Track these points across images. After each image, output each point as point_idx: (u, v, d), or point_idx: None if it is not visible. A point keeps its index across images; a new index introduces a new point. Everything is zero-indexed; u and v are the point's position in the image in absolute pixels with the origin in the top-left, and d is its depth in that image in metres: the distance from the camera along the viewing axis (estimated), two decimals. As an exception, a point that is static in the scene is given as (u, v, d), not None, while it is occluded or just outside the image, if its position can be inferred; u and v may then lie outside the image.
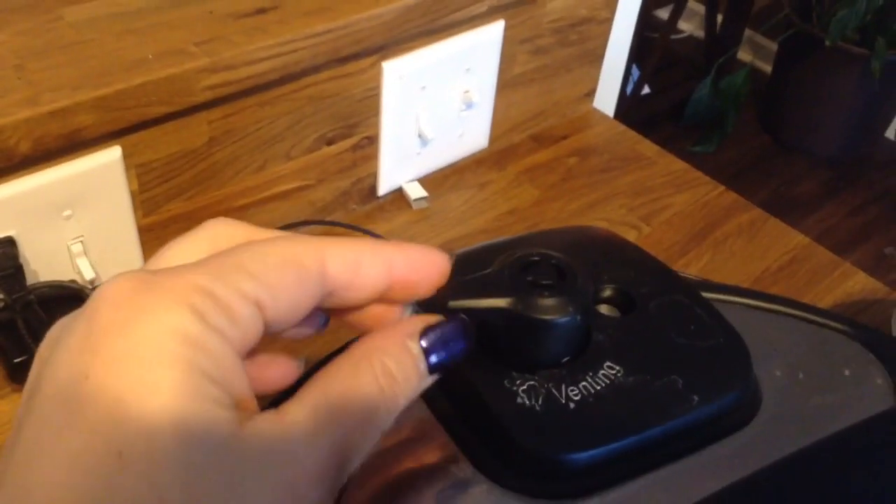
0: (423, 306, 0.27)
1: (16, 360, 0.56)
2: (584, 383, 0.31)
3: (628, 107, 2.25)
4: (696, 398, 0.31)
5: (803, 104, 2.39)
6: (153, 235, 0.64)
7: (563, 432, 0.30)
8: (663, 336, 0.33)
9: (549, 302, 0.29)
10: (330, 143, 0.71)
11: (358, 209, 0.78)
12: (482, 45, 0.76)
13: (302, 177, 0.71)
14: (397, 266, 0.26)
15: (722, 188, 0.83)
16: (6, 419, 0.57)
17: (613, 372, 0.31)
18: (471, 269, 0.29)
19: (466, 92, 0.77)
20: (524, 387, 0.30)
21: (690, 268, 0.74)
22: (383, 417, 0.25)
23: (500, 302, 0.29)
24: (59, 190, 0.56)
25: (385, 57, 0.69)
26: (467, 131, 0.81)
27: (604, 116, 0.93)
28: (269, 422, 0.23)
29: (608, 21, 0.88)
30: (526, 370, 0.31)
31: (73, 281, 0.60)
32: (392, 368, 0.25)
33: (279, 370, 0.27)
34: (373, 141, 0.74)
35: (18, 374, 0.57)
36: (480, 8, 0.72)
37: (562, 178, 0.83)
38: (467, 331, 0.27)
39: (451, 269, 0.28)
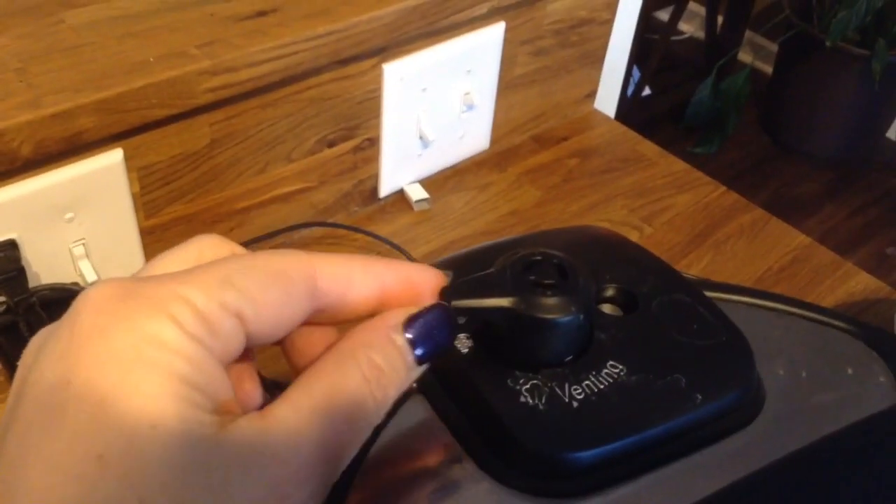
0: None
1: (18, 363, 0.56)
2: (587, 382, 0.31)
3: (629, 108, 2.25)
4: (699, 397, 0.31)
5: (804, 105, 2.39)
6: (155, 238, 0.64)
7: (566, 431, 0.30)
8: (666, 335, 0.33)
9: (551, 301, 0.29)
10: (331, 144, 0.71)
11: (359, 211, 0.78)
12: (483, 47, 0.76)
13: (303, 179, 0.71)
14: (389, 283, 0.26)
15: (723, 189, 0.83)
16: (9, 422, 0.57)
17: (616, 371, 0.31)
18: (472, 270, 0.29)
19: (467, 93, 0.77)
20: (527, 386, 0.30)
21: (692, 268, 0.74)
22: (372, 412, 0.25)
23: (503, 301, 0.29)
24: (60, 193, 0.56)
25: (386, 59, 0.69)
26: (468, 133, 0.81)
27: (605, 118, 0.93)
28: (251, 423, 0.22)
29: (609, 22, 0.88)
30: (529, 369, 0.31)
31: (75, 283, 0.60)
32: (379, 362, 0.25)
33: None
34: (374, 143, 0.74)
35: (21, 377, 0.57)
36: (481, 9, 0.72)
37: (563, 180, 0.83)
38: (450, 318, 0.27)
39: (447, 285, 0.28)
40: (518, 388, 0.30)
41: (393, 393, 0.25)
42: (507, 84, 0.82)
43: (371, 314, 0.26)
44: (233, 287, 0.23)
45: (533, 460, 0.30)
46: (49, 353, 0.22)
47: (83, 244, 0.59)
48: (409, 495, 0.30)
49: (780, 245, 0.77)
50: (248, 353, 0.25)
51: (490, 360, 0.31)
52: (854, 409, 0.33)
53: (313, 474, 0.23)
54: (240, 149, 0.65)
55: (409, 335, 0.26)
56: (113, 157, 0.57)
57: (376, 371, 0.25)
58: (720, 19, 2.61)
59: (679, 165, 0.86)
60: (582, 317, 0.30)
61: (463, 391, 0.32)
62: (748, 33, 2.67)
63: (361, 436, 0.24)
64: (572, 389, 0.30)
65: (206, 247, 0.26)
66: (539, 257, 0.30)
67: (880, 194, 2.38)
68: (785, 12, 2.29)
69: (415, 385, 0.31)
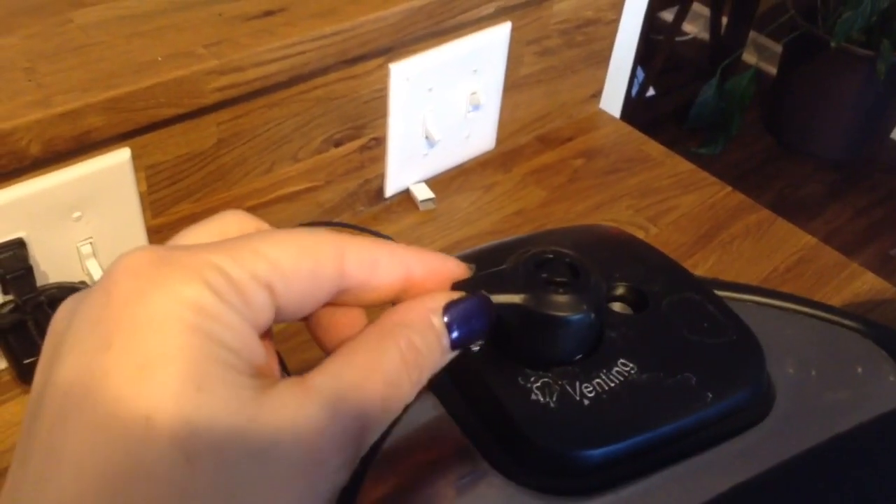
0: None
1: (26, 362, 0.56)
2: (597, 380, 0.31)
3: (633, 108, 2.25)
4: (709, 395, 0.31)
5: (808, 106, 2.39)
6: (162, 237, 0.64)
7: (577, 429, 0.30)
8: (676, 333, 0.33)
9: (563, 299, 0.29)
10: (337, 144, 0.71)
11: (365, 210, 0.78)
12: (489, 47, 0.76)
13: (309, 178, 0.71)
14: (414, 270, 0.26)
15: (729, 189, 0.83)
16: (17, 420, 0.57)
17: (627, 369, 0.31)
18: (483, 267, 0.29)
19: (473, 93, 0.77)
20: (538, 384, 0.30)
21: (697, 269, 0.74)
22: (407, 391, 0.25)
23: (515, 298, 0.29)
24: (68, 191, 0.56)
25: (392, 59, 0.69)
26: (474, 133, 0.81)
27: (610, 118, 0.93)
28: (291, 388, 0.23)
29: (615, 22, 0.88)
30: (540, 367, 0.31)
31: (82, 282, 0.60)
32: (417, 343, 0.25)
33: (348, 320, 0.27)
34: (380, 142, 0.74)
35: (28, 375, 0.57)
36: (487, 9, 0.72)
37: (568, 180, 0.83)
38: (488, 308, 0.27)
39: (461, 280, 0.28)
40: (529, 386, 0.30)
41: (427, 374, 0.25)
42: (513, 84, 0.82)
43: (394, 300, 0.27)
44: (265, 259, 0.23)
45: (544, 458, 0.30)
46: (84, 318, 0.22)
47: (91, 243, 0.60)
48: (420, 492, 0.30)
49: (786, 246, 0.77)
50: (268, 332, 0.25)
51: (501, 358, 0.31)
52: (863, 408, 0.33)
53: (348, 444, 0.23)
54: (246, 148, 0.65)
55: (446, 319, 0.26)
56: (120, 157, 0.57)
57: (414, 352, 0.25)
58: (724, 20, 2.61)
59: (685, 166, 0.86)
60: (593, 315, 0.30)
61: (474, 389, 0.32)
62: (752, 34, 2.67)
63: (393, 413, 0.25)
64: (583, 387, 0.30)
65: (231, 222, 0.26)
66: (551, 255, 0.30)
67: (884, 195, 2.37)
68: (789, 13, 2.29)
69: (422, 388, 0.31)
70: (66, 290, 0.59)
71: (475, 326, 0.27)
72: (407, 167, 0.78)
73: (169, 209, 0.63)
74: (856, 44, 2.16)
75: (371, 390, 0.24)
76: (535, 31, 0.80)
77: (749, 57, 2.74)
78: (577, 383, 0.30)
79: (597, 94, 0.93)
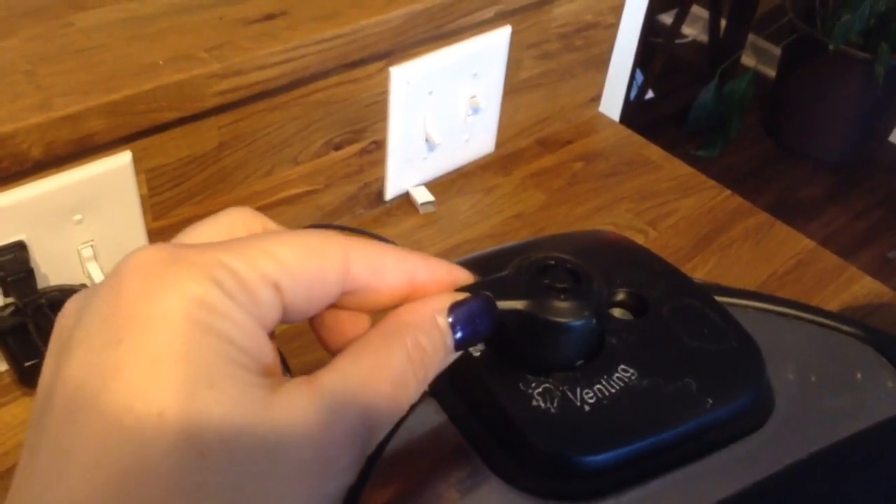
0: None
1: (26, 364, 0.56)
2: (598, 386, 0.31)
3: (632, 111, 2.25)
4: (709, 401, 0.31)
5: (807, 109, 2.39)
6: (163, 239, 0.64)
7: (578, 435, 0.30)
8: (677, 339, 0.33)
9: (564, 305, 0.29)
10: (337, 147, 0.71)
11: (365, 213, 0.78)
12: (489, 51, 0.76)
13: (310, 181, 0.71)
14: (419, 275, 0.27)
15: (728, 192, 0.83)
16: (17, 422, 0.57)
17: (628, 375, 0.31)
18: (484, 274, 0.29)
19: (473, 97, 0.78)
20: (539, 389, 0.31)
21: (697, 272, 0.74)
22: (413, 390, 0.25)
23: (517, 304, 0.29)
24: (69, 194, 0.56)
25: (392, 62, 0.69)
26: (474, 136, 0.81)
27: (609, 121, 0.93)
28: (300, 387, 0.23)
29: (614, 26, 0.88)
30: (541, 373, 0.31)
31: (83, 285, 0.60)
32: (423, 342, 0.25)
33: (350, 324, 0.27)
34: (380, 146, 0.74)
35: (29, 378, 0.57)
36: (487, 13, 0.72)
37: (568, 183, 0.83)
38: (492, 309, 0.28)
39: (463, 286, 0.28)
40: (530, 391, 0.31)
41: (432, 374, 0.26)
42: (513, 87, 0.82)
43: (397, 305, 0.27)
44: (273, 259, 0.23)
45: (545, 463, 0.30)
46: (93, 314, 0.22)
47: (91, 246, 0.60)
48: (421, 497, 0.30)
49: (785, 249, 0.77)
50: (271, 333, 0.26)
51: (502, 363, 0.31)
52: (863, 414, 0.34)
53: (356, 442, 0.23)
54: (247, 151, 0.65)
55: (451, 319, 0.26)
56: (121, 160, 0.57)
57: (420, 351, 0.25)
58: (723, 23, 2.61)
59: (684, 169, 0.86)
60: (594, 321, 0.30)
61: (475, 394, 0.32)
62: (751, 37, 2.68)
63: (400, 412, 0.25)
64: (584, 393, 0.30)
65: (238, 219, 0.26)
66: (553, 261, 0.30)
67: (883, 197, 2.38)
68: (788, 16, 2.30)
69: (427, 388, 0.31)
70: (66, 293, 0.59)
71: (479, 327, 0.27)
72: (407, 170, 0.78)
73: (170, 212, 0.63)
74: (854, 47, 2.17)
75: (378, 389, 0.24)
76: (535, 35, 0.80)
77: (748, 60, 2.74)
78: (578, 389, 0.31)
79: (596, 98, 0.93)
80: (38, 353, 0.56)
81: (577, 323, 0.29)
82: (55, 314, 0.58)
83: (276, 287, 0.23)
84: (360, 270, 0.25)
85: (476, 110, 0.79)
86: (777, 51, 2.55)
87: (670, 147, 0.90)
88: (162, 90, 0.56)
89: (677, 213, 0.80)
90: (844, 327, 0.38)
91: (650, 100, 2.50)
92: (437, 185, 0.81)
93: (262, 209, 0.69)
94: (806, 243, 0.78)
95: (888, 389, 0.35)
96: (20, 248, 0.56)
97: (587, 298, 0.29)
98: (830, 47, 2.07)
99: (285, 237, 0.24)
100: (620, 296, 0.35)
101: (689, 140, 2.42)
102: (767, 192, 2.35)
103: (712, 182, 0.85)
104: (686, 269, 0.75)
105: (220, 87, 0.58)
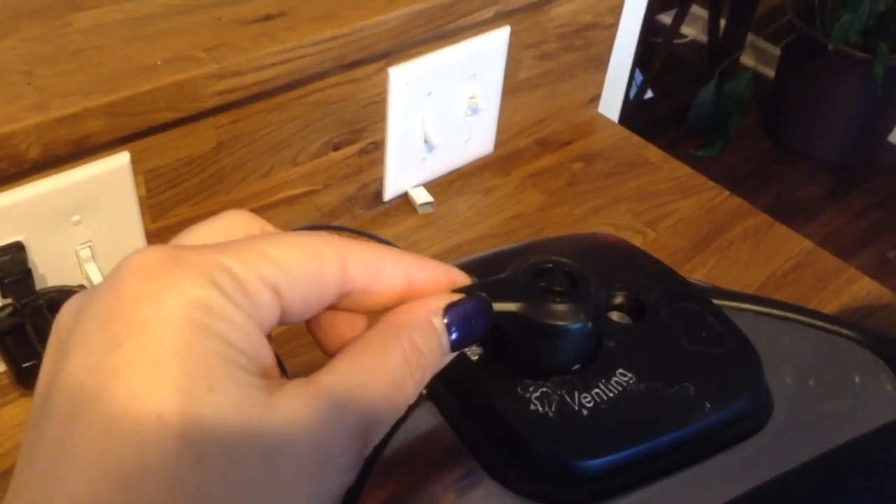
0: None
1: (24, 365, 0.56)
2: (596, 390, 0.31)
3: (631, 111, 2.25)
4: (707, 405, 0.31)
5: (806, 109, 2.39)
6: (161, 240, 0.64)
7: (576, 439, 0.30)
8: (675, 343, 0.33)
9: (561, 308, 0.29)
10: (336, 148, 0.71)
11: (364, 214, 0.78)
12: (488, 51, 0.76)
13: (308, 182, 0.71)
14: (416, 277, 0.27)
15: (727, 193, 0.83)
16: (15, 423, 0.57)
17: (626, 379, 0.31)
18: (481, 276, 0.29)
19: (472, 97, 0.78)
20: (537, 393, 0.30)
21: (695, 273, 0.74)
22: (410, 391, 0.25)
23: (512, 306, 0.29)
24: (67, 195, 0.56)
25: (391, 63, 0.69)
26: (473, 136, 0.81)
27: (609, 122, 0.93)
28: (299, 388, 0.23)
29: (613, 27, 0.88)
30: (539, 377, 0.31)
31: (81, 286, 0.60)
32: (419, 343, 0.25)
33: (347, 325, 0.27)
34: (379, 146, 0.74)
35: (27, 379, 0.57)
36: (486, 14, 0.72)
37: (567, 184, 0.83)
38: (487, 309, 0.28)
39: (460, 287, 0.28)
40: (528, 395, 0.30)
41: (429, 375, 0.26)
42: (512, 88, 0.82)
43: (394, 306, 0.27)
44: (271, 261, 0.23)
45: (543, 468, 0.30)
46: (92, 316, 0.22)
47: (90, 246, 0.60)
48: (418, 500, 0.30)
49: (784, 250, 0.77)
50: (268, 335, 0.26)
51: (499, 367, 0.31)
52: (861, 418, 0.34)
53: (354, 443, 0.23)
54: (246, 152, 0.65)
55: (446, 320, 0.26)
56: (120, 160, 0.57)
57: (416, 352, 0.25)
58: (723, 23, 2.61)
59: (683, 170, 0.86)
60: (591, 324, 0.30)
61: (473, 398, 0.32)
62: (750, 37, 2.68)
63: (398, 412, 0.25)
64: (581, 397, 0.30)
65: (235, 221, 0.27)
66: (550, 265, 0.30)
67: (882, 198, 2.38)
68: (787, 16, 2.30)
69: (424, 391, 0.31)
70: (65, 294, 0.59)
71: (475, 328, 0.27)
72: (406, 171, 0.78)
73: (168, 213, 0.63)
74: (853, 47, 2.17)
75: (376, 390, 0.24)
76: (534, 36, 0.80)
77: (747, 59, 2.74)
78: (576, 393, 0.31)
79: (595, 98, 0.93)
80: (36, 354, 0.56)
81: (574, 326, 0.29)
82: (53, 315, 0.58)
83: (274, 289, 0.23)
84: (358, 272, 0.25)
85: (475, 111, 0.79)
86: (776, 51, 2.54)
87: (669, 146, 0.90)
88: (160, 91, 0.56)
89: (676, 214, 0.80)
90: (843, 331, 0.38)
91: (649, 99, 2.49)
92: (436, 186, 0.81)
93: (261, 210, 0.69)
94: (805, 244, 0.78)
95: (886, 393, 0.35)
96: (18, 248, 0.56)
97: (584, 302, 0.29)
98: (830, 47, 2.07)
99: (283, 239, 0.24)
100: (618, 299, 0.35)
101: (689, 140, 2.42)
102: (766, 192, 2.35)
103: (711, 183, 0.85)
104: (685, 269, 0.75)
105: (218, 88, 0.58)
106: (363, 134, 0.72)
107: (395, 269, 0.26)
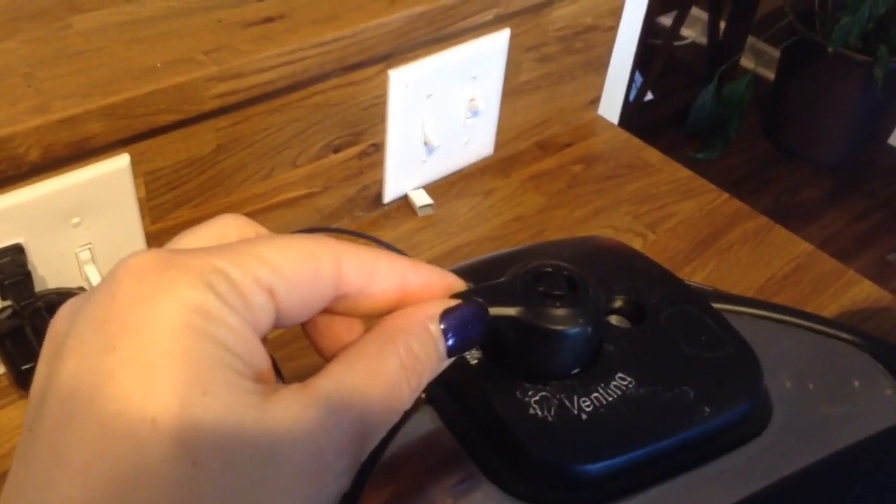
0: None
1: (23, 367, 0.56)
2: (595, 394, 0.31)
3: (631, 113, 2.25)
4: (707, 409, 0.31)
5: (806, 111, 2.39)
6: (161, 242, 0.64)
7: (575, 443, 0.30)
8: (674, 347, 0.33)
9: (560, 312, 0.29)
10: (336, 150, 0.71)
11: (364, 216, 0.78)
12: (488, 54, 0.76)
13: (308, 184, 0.71)
14: (411, 281, 0.27)
15: (726, 196, 0.83)
16: (14, 425, 0.57)
17: (625, 383, 0.31)
18: (480, 280, 0.29)
19: (472, 100, 0.78)
20: (536, 398, 0.30)
21: (695, 276, 0.74)
22: (406, 397, 0.25)
23: (511, 311, 0.29)
24: (67, 197, 0.56)
25: (391, 65, 0.69)
26: (473, 139, 0.81)
27: (608, 124, 0.93)
28: (294, 393, 0.23)
29: (613, 29, 0.88)
30: (538, 381, 0.31)
31: (80, 288, 0.60)
32: (415, 349, 0.25)
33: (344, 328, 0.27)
34: (379, 148, 0.74)
35: (26, 381, 0.57)
36: (486, 16, 0.72)
37: (567, 186, 0.83)
38: (484, 315, 0.28)
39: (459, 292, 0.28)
40: (527, 399, 0.30)
41: (425, 380, 0.26)
42: (512, 90, 0.82)
43: (389, 310, 0.27)
44: (266, 263, 0.23)
45: (542, 472, 0.30)
46: (88, 319, 0.22)
47: (89, 249, 0.60)
48: (417, 506, 0.30)
49: (784, 253, 0.77)
50: (263, 338, 0.26)
51: (498, 371, 0.31)
52: (861, 423, 0.34)
53: (350, 448, 0.23)
54: (245, 154, 0.65)
55: (443, 326, 0.26)
56: (119, 163, 0.57)
57: (412, 358, 0.25)
58: (723, 25, 2.61)
59: (683, 172, 0.86)
60: (590, 329, 0.30)
61: (472, 403, 0.32)
62: (750, 39, 2.68)
63: (394, 417, 0.25)
64: (581, 401, 0.30)
65: (230, 225, 0.27)
66: (549, 269, 0.30)
67: (882, 200, 2.38)
68: (787, 18, 2.30)
69: (423, 395, 0.31)
70: (64, 296, 0.59)
71: (471, 333, 0.27)
72: (406, 173, 0.78)
73: (168, 215, 0.63)
74: (853, 49, 2.17)
75: (372, 395, 0.24)
76: (534, 38, 0.80)
77: (747, 62, 2.74)
78: (576, 397, 0.31)
79: (595, 101, 0.93)
80: (36, 357, 0.56)
81: (573, 330, 0.29)
82: (53, 317, 0.58)
83: (269, 291, 0.23)
84: (353, 274, 0.25)
85: (475, 113, 0.79)
86: (776, 53, 2.55)
87: (669, 149, 0.90)
88: (160, 93, 0.56)
89: (676, 217, 0.80)
90: (842, 335, 0.37)
91: (649, 102, 2.49)
92: (436, 188, 0.81)
93: (261, 212, 0.69)
94: (805, 247, 0.78)
95: (886, 397, 0.35)
96: (17, 250, 0.56)
97: (583, 306, 0.29)
98: (829, 50, 2.07)
99: (277, 241, 0.25)
100: (618, 303, 0.35)
101: (689, 142, 2.42)
102: (766, 195, 2.35)
103: (711, 185, 0.85)
104: (684, 272, 0.75)
105: (218, 90, 0.58)
106: (363, 136, 0.72)
107: (390, 272, 0.26)
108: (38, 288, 0.58)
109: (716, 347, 0.33)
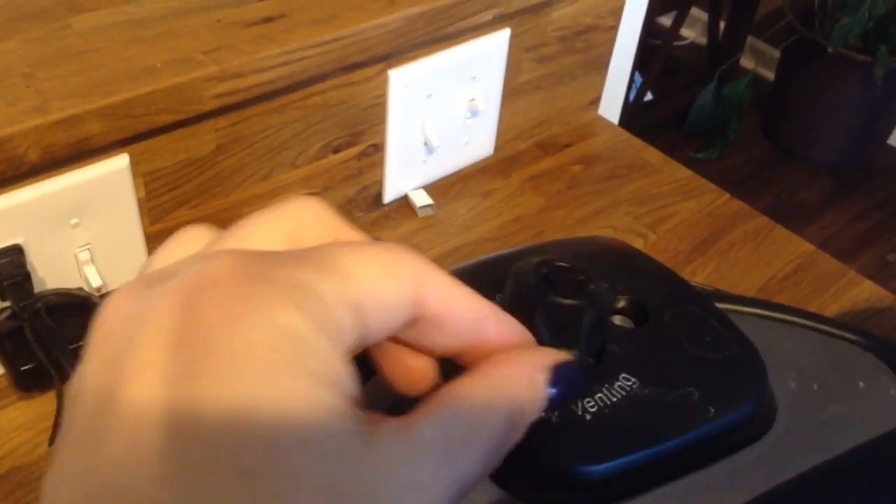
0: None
1: (23, 368, 0.56)
2: (599, 395, 0.30)
3: (631, 113, 2.25)
4: (712, 410, 0.31)
5: (806, 111, 2.39)
6: (160, 243, 0.63)
7: (579, 444, 0.29)
8: (678, 347, 0.33)
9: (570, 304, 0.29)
10: (336, 150, 0.71)
11: (363, 217, 0.78)
12: (488, 54, 0.76)
13: (308, 184, 0.71)
14: (487, 324, 0.24)
15: (727, 196, 0.83)
16: (14, 426, 0.57)
17: (629, 384, 0.31)
18: (483, 280, 0.29)
19: (472, 100, 0.77)
20: (539, 398, 0.30)
21: (696, 276, 0.74)
22: (505, 451, 0.23)
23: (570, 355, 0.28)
24: (66, 198, 0.56)
25: (391, 65, 0.69)
26: (473, 139, 0.81)
27: (609, 124, 0.93)
28: (396, 434, 0.21)
29: (613, 29, 0.88)
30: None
31: (80, 289, 0.60)
32: (523, 403, 0.23)
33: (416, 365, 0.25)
34: (378, 149, 0.74)
35: (25, 382, 0.57)
36: (486, 16, 0.72)
37: (567, 186, 0.83)
38: (590, 376, 0.26)
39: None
40: (530, 400, 0.30)
41: (522, 433, 0.24)
42: (512, 90, 0.82)
43: (454, 353, 0.24)
44: (352, 280, 0.21)
45: (546, 473, 0.29)
46: (163, 332, 0.19)
47: (88, 249, 0.59)
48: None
49: (784, 253, 0.77)
50: None
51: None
52: (865, 423, 0.33)
53: (447, 497, 0.21)
54: (245, 154, 0.65)
55: (551, 380, 0.24)
56: (119, 163, 0.57)
57: (519, 414, 0.23)
58: (722, 25, 2.61)
59: (683, 173, 0.86)
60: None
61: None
62: (750, 39, 2.68)
63: (488, 471, 0.23)
64: (585, 402, 0.30)
65: (304, 221, 0.23)
66: (555, 268, 0.30)
67: (882, 200, 2.38)
68: (787, 18, 2.30)
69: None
70: (63, 297, 0.58)
71: (573, 392, 0.25)
72: (405, 173, 0.77)
73: (167, 215, 0.63)
74: (853, 49, 2.17)
75: (478, 448, 0.22)
76: (534, 38, 0.80)
77: (747, 62, 2.74)
78: (580, 398, 0.30)
79: (595, 101, 0.92)
80: (35, 358, 0.56)
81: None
82: (52, 318, 0.58)
83: (356, 311, 0.21)
84: (434, 299, 0.23)
85: (475, 113, 0.79)
86: (776, 53, 2.55)
87: (669, 149, 0.90)
88: (160, 93, 0.56)
89: (676, 217, 0.80)
90: (846, 335, 0.37)
91: (649, 102, 2.49)
92: (436, 189, 0.81)
93: (261, 212, 0.69)
94: (805, 247, 0.78)
95: (891, 398, 0.35)
96: (17, 251, 0.55)
97: (589, 306, 0.29)
98: (829, 50, 2.07)
99: (358, 253, 0.22)
100: (621, 303, 0.35)
101: (689, 142, 2.42)
102: (766, 195, 2.35)
103: (712, 185, 0.84)
104: (685, 272, 0.75)
105: (217, 90, 0.58)
106: (363, 136, 0.72)
107: (469, 304, 0.23)
108: (37, 289, 0.57)
109: (720, 348, 0.33)
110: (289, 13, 0.63)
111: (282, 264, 0.20)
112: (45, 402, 0.58)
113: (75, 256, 0.59)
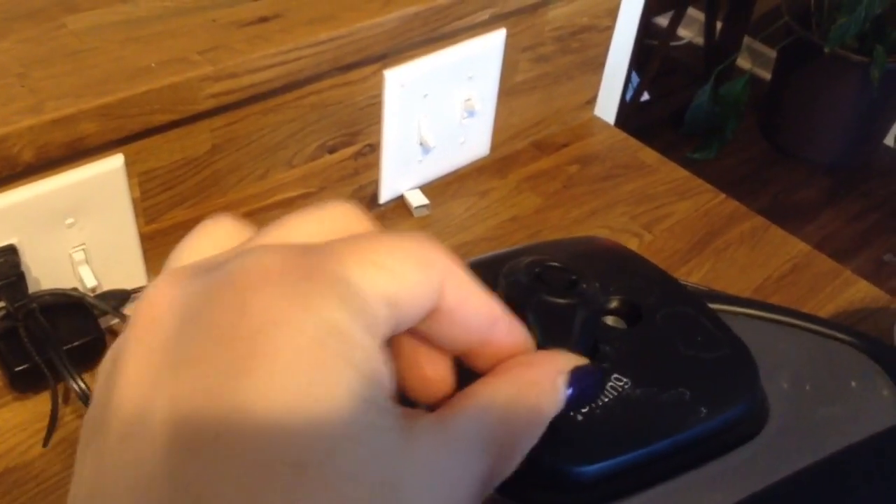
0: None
1: (17, 369, 0.56)
2: (591, 395, 0.30)
3: (627, 113, 2.25)
4: (703, 410, 0.31)
5: (803, 111, 2.39)
6: (155, 243, 0.64)
7: (570, 444, 0.29)
8: (670, 347, 0.33)
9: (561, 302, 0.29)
10: (332, 150, 0.71)
11: (359, 217, 0.77)
12: (484, 54, 0.76)
13: (304, 184, 0.71)
14: (499, 324, 0.24)
15: (723, 196, 0.83)
16: (8, 427, 0.57)
17: (621, 384, 0.31)
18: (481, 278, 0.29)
19: (468, 100, 0.77)
20: (532, 399, 0.30)
21: (692, 276, 0.74)
22: (527, 450, 0.24)
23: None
24: (61, 198, 0.56)
25: (387, 65, 0.69)
26: (469, 139, 0.81)
27: (605, 124, 0.93)
28: (433, 428, 0.21)
29: (609, 29, 0.88)
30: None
31: (74, 289, 0.60)
32: (544, 405, 0.24)
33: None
34: (374, 149, 0.74)
35: (19, 383, 0.57)
36: (482, 16, 0.72)
37: (563, 186, 0.83)
38: (604, 384, 0.27)
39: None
40: (522, 400, 0.30)
41: (541, 433, 0.24)
42: (508, 90, 0.82)
43: (461, 349, 0.24)
44: (387, 272, 0.21)
45: (537, 473, 0.29)
46: (209, 328, 0.19)
47: (83, 249, 0.59)
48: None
49: (780, 253, 0.77)
50: None
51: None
52: (858, 424, 0.33)
53: (475, 494, 0.22)
54: (241, 154, 0.65)
55: (570, 383, 0.25)
56: (114, 163, 0.57)
57: (540, 414, 0.24)
58: (719, 25, 2.61)
59: (679, 173, 0.86)
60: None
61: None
62: (747, 39, 2.68)
63: (512, 469, 0.23)
64: (577, 403, 0.30)
65: (341, 221, 0.23)
66: (546, 267, 0.30)
67: (879, 200, 2.38)
68: (784, 19, 2.30)
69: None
70: (58, 297, 0.58)
71: (587, 398, 0.25)
72: (401, 173, 0.77)
73: (162, 215, 0.63)
74: (850, 50, 2.17)
75: (504, 448, 0.23)
76: (530, 38, 0.80)
77: (743, 62, 2.75)
78: (591, 402, 0.30)
79: (591, 101, 0.93)
80: (29, 358, 0.56)
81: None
82: (46, 318, 0.57)
83: (391, 304, 0.21)
84: (452, 290, 0.23)
85: (471, 113, 0.79)
86: (773, 53, 2.55)
87: (666, 149, 0.90)
88: (155, 93, 0.55)
89: (673, 217, 0.80)
90: (839, 335, 0.37)
91: (646, 102, 2.49)
92: (432, 189, 0.81)
93: (256, 212, 0.69)
94: (801, 247, 0.78)
95: (883, 398, 0.35)
96: (11, 251, 0.55)
97: (583, 298, 0.29)
98: (826, 50, 2.07)
99: (388, 244, 0.22)
100: (613, 303, 0.35)
101: (685, 142, 2.42)
102: (763, 195, 2.35)
103: (708, 185, 0.84)
104: (681, 272, 0.75)
105: (213, 90, 0.58)
106: (359, 136, 0.72)
107: (483, 301, 0.24)
108: (31, 289, 0.57)
109: (712, 348, 0.33)
110: (284, 13, 0.63)
111: (325, 259, 0.20)
112: (39, 403, 0.58)
113: (70, 257, 0.59)
